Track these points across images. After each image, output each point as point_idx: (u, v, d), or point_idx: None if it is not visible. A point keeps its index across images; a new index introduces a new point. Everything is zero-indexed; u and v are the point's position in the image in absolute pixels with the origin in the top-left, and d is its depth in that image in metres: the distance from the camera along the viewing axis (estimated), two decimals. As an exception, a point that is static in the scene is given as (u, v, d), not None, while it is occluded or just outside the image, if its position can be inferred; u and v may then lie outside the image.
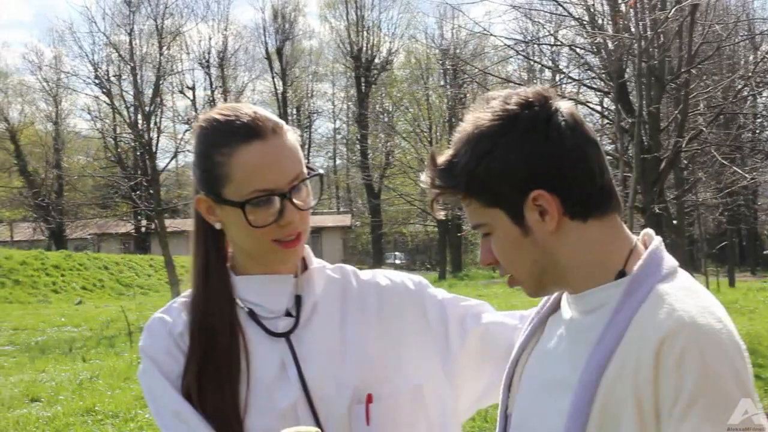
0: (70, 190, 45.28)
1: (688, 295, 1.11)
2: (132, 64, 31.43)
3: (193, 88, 44.67)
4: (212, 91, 46.22)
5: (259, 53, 48.21)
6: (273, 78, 48.07)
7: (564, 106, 1.17)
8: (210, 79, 47.03)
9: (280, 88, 47.78)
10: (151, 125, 39.49)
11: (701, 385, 1.03)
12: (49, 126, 48.42)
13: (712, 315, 1.08)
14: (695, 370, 1.03)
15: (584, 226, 1.16)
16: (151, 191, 23.61)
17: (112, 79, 38.98)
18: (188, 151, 43.05)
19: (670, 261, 1.18)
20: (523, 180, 1.13)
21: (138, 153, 38.12)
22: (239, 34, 48.97)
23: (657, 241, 1.21)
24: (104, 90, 38.94)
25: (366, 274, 1.59)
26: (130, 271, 30.76)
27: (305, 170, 1.44)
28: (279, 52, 47.51)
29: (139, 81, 39.23)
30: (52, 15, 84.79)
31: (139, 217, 40.67)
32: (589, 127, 1.18)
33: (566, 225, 1.16)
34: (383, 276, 1.58)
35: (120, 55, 34.58)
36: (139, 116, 33.85)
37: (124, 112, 37.16)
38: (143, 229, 43.90)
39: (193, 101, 43.87)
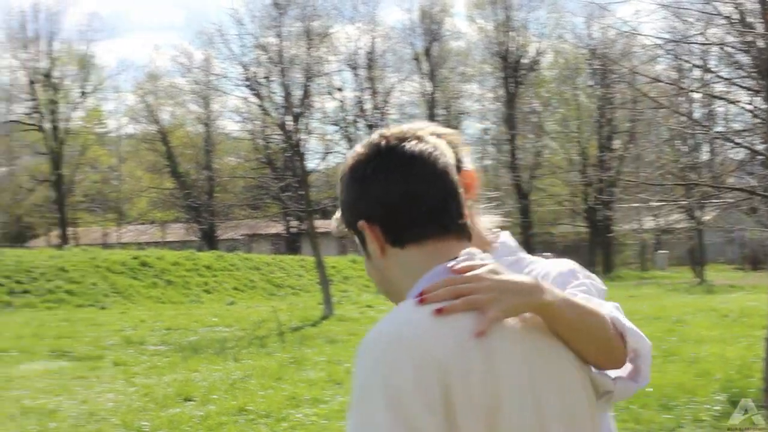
0: (221, 191, 48.96)
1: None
2: (281, 66, 33.53)
3: (341, 90, 47.48)
4: (360, 93, 48.62)
5: (406, 54, 50.49)
6: (421, 79, 50.29)
7: (370, 151, 1.43)
8: (358, 80, 49.44)
9: (429, 89, 49.83)
10: (301, 126, 42.54)
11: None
12: (200, 127, 52.43)
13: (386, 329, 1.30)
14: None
15: (403, 252, 1.37)
16: (301, 192, 24.85)
17: (261, 80, 42.15)
18: (337, 152, 45.78)
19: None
20: (352, 212, 1.41)
21: (287, 154, 40.92)
22: (387, 35, 51.09)
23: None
24: (254, 91, 42.23)
25: None
26: (281, 272, 31.99)
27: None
28: (427, 52, 49.60)
29: (287, 82, 42.44)
30: (202, 18, 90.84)
31: (289, 218, 43.35)
32: (427, 161, 1.39)
33: (389, 251, 1.38)
34: None
35: (269, 57, 37.07)
36: (288, 117, 36.35)
37: (274, 114, 39.94)
38: (294, 230, 46.53)
39: (342, 102, 46.88)
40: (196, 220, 46.65)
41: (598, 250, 40.72)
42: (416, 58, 49.89)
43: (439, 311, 1.25)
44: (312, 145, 50.36)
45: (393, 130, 1.45)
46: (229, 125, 58.98)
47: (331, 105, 49.37)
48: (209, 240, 47.36)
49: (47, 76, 50.03)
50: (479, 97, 52.42)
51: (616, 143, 42.37)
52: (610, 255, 42.50)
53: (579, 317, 1.34)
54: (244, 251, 41.53)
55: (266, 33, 44.04)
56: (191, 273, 28.58)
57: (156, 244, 44.80)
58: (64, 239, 47.54)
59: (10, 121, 52.49)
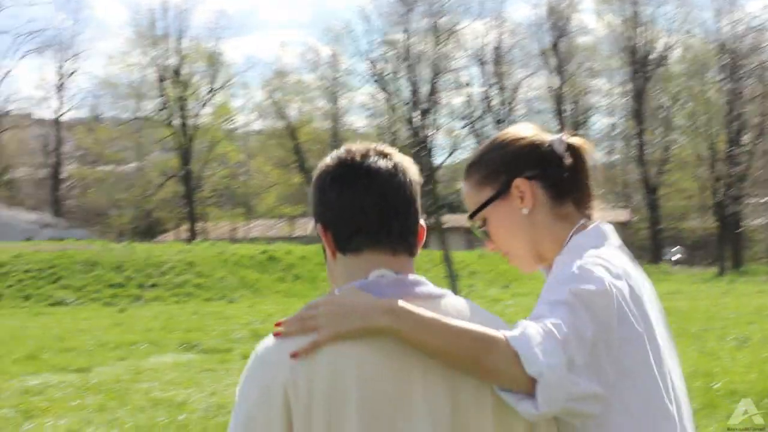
0: (347, 188, 51.20)
1: None
2: (408, 62, 34.87)
3: (468, 85, 48.88)
4: (488, 88, 49.91)
5: (534, 50, 51.96)
6: (549, 74, 51.77)
7: (334, 163, 1.60)
8: (486, 75, 51.03)
9: (556, 85, 51.11)
10: (428, 122, 44.27)
11: None
12: (327, 123, 54.90)
13: None
14: None
15: (345, 259, 1.56)
16: (428, 188, 25.47)
17: (389, 76, 43.97)
18: (465, 147, 47.14)
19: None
20: (313, 216, 1.61)
21: (415, 149, 42.43)
22: (514, 31, 52.67)
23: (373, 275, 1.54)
24: (381, 87, 44.10)
25: None
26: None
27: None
28: (554, 48, 50.96)
29: (415, 78, 44.24)
30: (329, 15, 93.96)
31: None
32: (380, 177, 1.54)
33: (338, 256, 1.57)
34: None
35: (396, 53, 38.56)
36: (416, 113, 37.77)
37: (401, 109, 41.55)
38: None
39: (469, 98, 48.27)
40: None
41: (726, 246, 41.17)
42: (544, 54, 51.34)
43: (276, 335, 1.47)
44: (439, 141, 51.87)
45: (360, 146, 1.62)
46: (357, 121, 61.17)
47: (458, 101, 51.05)
48: None
49: (176, 73, 53.18)
50: (607, 92, 53.53)
51: (746, 138, 42.89)
52: (739, 250, 42.82)
53: (427, 340, 1.43)
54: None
55: (393, 29, 45.99)
56: (318, 267, 29.33)
57: (284, 239, 46.98)
58: (193, 234, 50.35)
59: (141, 117, 55.99)
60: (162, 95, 53.32)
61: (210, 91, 54.61)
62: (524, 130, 1.82)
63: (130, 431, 7.86)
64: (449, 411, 1.46)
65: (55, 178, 60.64)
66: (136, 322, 17.47)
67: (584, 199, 1.78)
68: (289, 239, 48.64)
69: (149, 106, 56.25)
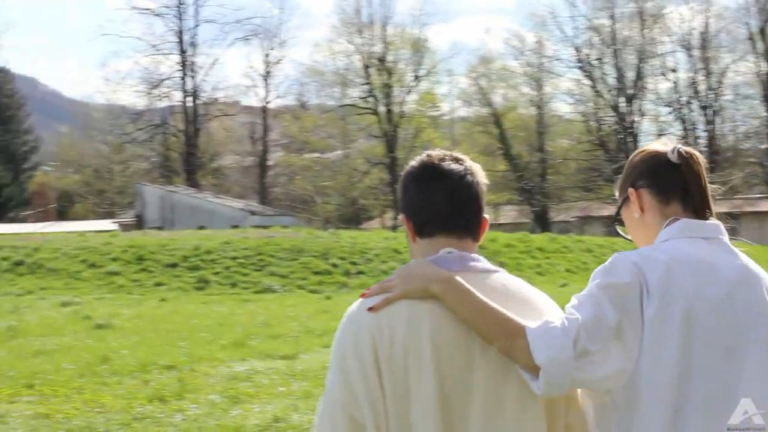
0: (554, 173, 57.53)
1: None
2: (614, 47, 39.73)
3: (675, 71, 53.98)
4: (694, 73, 56.68)
5: (741, 34, 57.06)
6: (756, 59, 56.49)
7: (418, 165, 2.29)
8: (692, 61, 57.45)
9: (764, 70, 55.96)
10: (634, 108, 48.90)
11: None
12: (532, 110, 63.26)
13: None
14: None
15: (421, 242, 2.25)
16: None
17: (594, 62, 49.41)
18: (671, 133, 51.58)
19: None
20: (399, 207, 2.28)
21: (620, 136, 47.39)
22: (721, 14, 57.92)
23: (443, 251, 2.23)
24: (586, 73, 49.82)
25: None
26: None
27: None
28: (762, 32, 55.82)
29: (621, 64, 49.12)
30: (533, 1, 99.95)
31: (623, 200, 50.11)
32: (451, 178, 2.22)
33: (417, 239, 2.27)
34: None
35: (601, 39, 43.62)
36: (621, 99, 42.59)
37: (606, 96, 46.87)
38: (626, 213, 53.60)
39: (675, 84, 53.40)
40: (528, 202, 55.78)
41: None
42: (751, 38, 56.14)
43: (362, 296, 2.18)
44: (645, 127, 58.01)
45: (439, 152, 2.34)
46: (562, 107, 67.34)
47: (664, 86, 57.66)
48: (541, 222, 57.51)
49: (381, 60, 61.52)
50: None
51: None
52: None
53: (463, 310, 2.07)
54: (577, 233, 47.81)
55: (599, 14, 51.61)
56: (524, 255, 31.92)
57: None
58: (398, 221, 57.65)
59: (346, 105, 65.40)
60: (367, 82, 61.75)
61: (415, 78, 62.40)
62: (651, 145, 2.48)
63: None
64: (501, 364, 2.10)
65: (262, 166, 70.46)
66: (341, 310, 22.35)
67: (693, 200, 2.34)
68: (494, 226, 56.49)
69: (354, 93, 65.42)
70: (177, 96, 70.13)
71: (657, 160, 2.37)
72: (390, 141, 59.99)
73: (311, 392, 9.89)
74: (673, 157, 2.33)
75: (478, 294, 2.08)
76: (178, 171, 71.91)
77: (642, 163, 2.40)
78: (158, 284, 25.60)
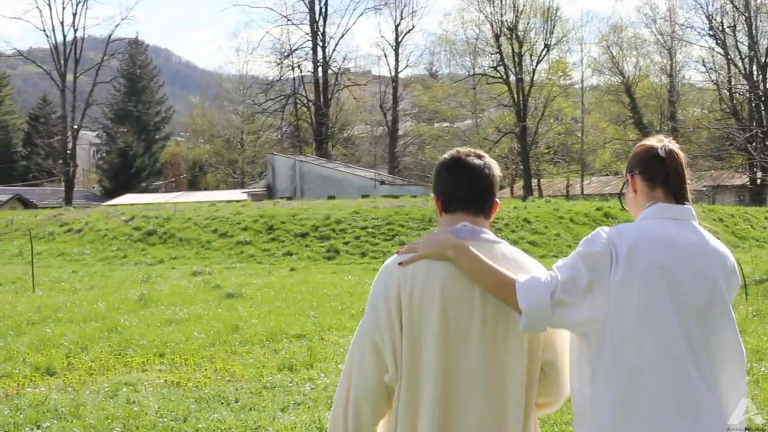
0: (685, 142, 59.43)
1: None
2: (747, 15, 41.45)
3: None
4: None
5: None
6: None
7: (449, 158, 3.11)
8: None
9: None
10: (767, 76, 50.68)
11: None
12: (664, 78, 64.09)
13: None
14: None
15: (446, 216, 3.06)
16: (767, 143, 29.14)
17: (727, 30, 51.40)
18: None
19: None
20: (432, 189, 3.13)
21: (753, 104, 49.49)
22: None
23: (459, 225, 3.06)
24: (718, 41, 51.93)
25: None
26: (745, 224, 35.75)
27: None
28: None
29: (754, 31, 50.87)
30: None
31: (754, 169, 52.01)
32: (473, 170, 3.04)
33: (443, 214, 3.07)
34: None
35: (734, 6, 45.44)
36: (754, 67, 44.32)
37: (739, 64, 48.82)
38: (758, 181, 55.28)
39: None
40: None
41: None
42: None
43: (396, 252, 3.01)
44: None
45: (465, 149, 3.17)
46: (694, 76, 68.39)
47: None
48: None
49: (512, 29, 62.65)
50: None
51: None
52: None
53: (470, 268, 2.91)
54: (708, 202, 49.10)
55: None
56: None
57: (619, 195, 55.40)
58: (528, 190, 60.05)
59: (476, 74, 66.94)
60: (498, 51, 63.22)
61: (545, 47, 63.66)
62: (649, 140, 3.21)
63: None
64: (494, 312, 2.95)
65: (392, 136, 72.89)
66: None
67: (673, 188, 3.07)
68: (624, 195, 57.62)
69: (485, 62, 67.19)
70: (308, 66, 73.17)
71: (649, 153, 3.11)
72: (520, 110, 61.29)
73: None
74: (662, 152, 3.06)
75: (483, 258, 2.93)
76: (308, 141, 74.73)
77: (638, 155, 3.16)
78: (288, 254, 26.89)
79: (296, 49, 72.25)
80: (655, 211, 3.03)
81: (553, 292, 2.82)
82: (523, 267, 3.03)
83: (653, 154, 3.07)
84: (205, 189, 75.28)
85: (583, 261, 2.85)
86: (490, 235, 3.06)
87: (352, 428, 2.96)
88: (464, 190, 3.06)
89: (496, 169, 3.16)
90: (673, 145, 3.10)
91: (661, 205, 3.02)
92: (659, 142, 3.12)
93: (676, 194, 3.07)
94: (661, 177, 3.05)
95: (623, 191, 3.30)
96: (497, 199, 3.16)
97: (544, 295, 2.81)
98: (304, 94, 73.59)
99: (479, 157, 3.12)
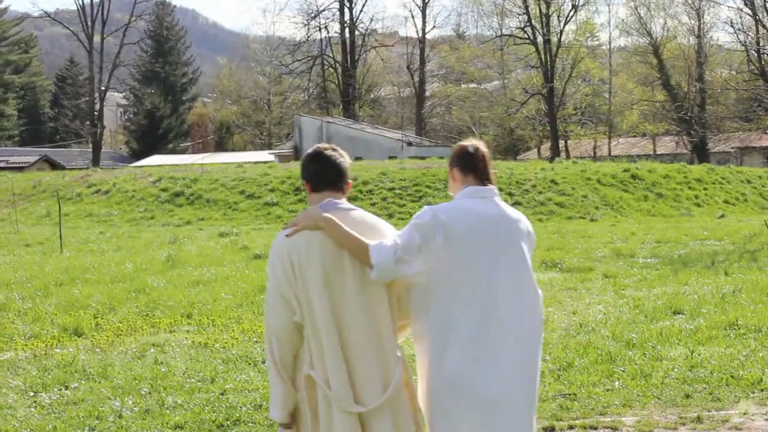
0: (713, 103, 60.25)
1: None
2: None
3: None
4: None
5: None
6: None
7: (312, 153, 4.22)
8: None
9: None
10: (796, 37, 51.61)
11: None
12: (692, 39, 64.19)
13: None
14: None
15: (314, 195, 4.13)
16: None
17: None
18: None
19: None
20: (301, 175, 4.27)
21: (782, 66, 50.47)
22: None
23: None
24: (747, 2, 52.44)
25: None
26: None
27: None
28: None
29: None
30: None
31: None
32: (330, 159, 4.13)
33: (312, 194, 4.15)
34: None
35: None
36: None
37: (768, 24, 49.20)
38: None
39: None
40: (687, 132, 58.36)
41: None
42: None
43: (285, 227, 4.09)
44: None
45: (324, 145, 4.25)
46: (722, 37, 68.73)
47: None
48: (700, 153, 58.65)
49: None
50: None
51: None
52: None
53: (336, 235, 3.91)
54: (735, 164, 49.51)
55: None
56: (681, 186, 33.92)
57: (646, 156, 55.70)
58: (555, 152, 60.58)
59: (504, 35, 67.37)
60: (525, 12, 63.75)
61: (573, 8, 64.09)
62: (463, 142, 4.32)
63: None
64: (362, 273, 3.96)
65: (419, 97, 73.31)
66: None
67: (480, 175, 4.18)
68: (652, 157, 57.84)
69: (512, 23, 67.65)
70: (335, 27, 73.58)
71: (462, 150, 4.23)
72: (548, 71, 61.96)
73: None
74: (470, 149, 4.19)
75: (344, 226, 3.94)
76: (335, 102, 76.10)
77: (455, 152, 4.28)
78: (315, 215, 28.23)
79: (323, 10, 72.79)
80: (467, 192, 4.15)
81: (396, 252, 3.87)
82: (375, 227, 4.11)
83: (465, 151, 4.21)
84: (233, 150, 75.75)
85: (416, 229, 3.95)
86: (346, 204, 4.12)
87: (278, 357, 4.03)
88: (328, 175, 4.14)
89: (348, 158, 4.24)
90: (480, 145, 4.26)
91: (471, 187, 4.15)
92: (470, 143, 4.26)
93: (482, 179, 4.18)
94: (470, 167, 4.17)
95: (448, 179, 4.43)
96: (350, 180, 4.24)
97: (389, 254, 3.87)
98: (331, 55, 74.14)
99: (334, 149, 4.21)
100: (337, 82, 74.02)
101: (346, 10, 72.58)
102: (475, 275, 4.00)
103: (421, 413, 4.18)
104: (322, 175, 4.14)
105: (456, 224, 3.99)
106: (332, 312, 3.95)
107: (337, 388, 3.93)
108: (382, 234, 4.06)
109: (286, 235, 4.02)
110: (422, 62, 73.32)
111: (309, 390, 4.00)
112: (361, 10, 74.30)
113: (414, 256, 3.93)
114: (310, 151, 4.26)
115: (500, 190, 23.28)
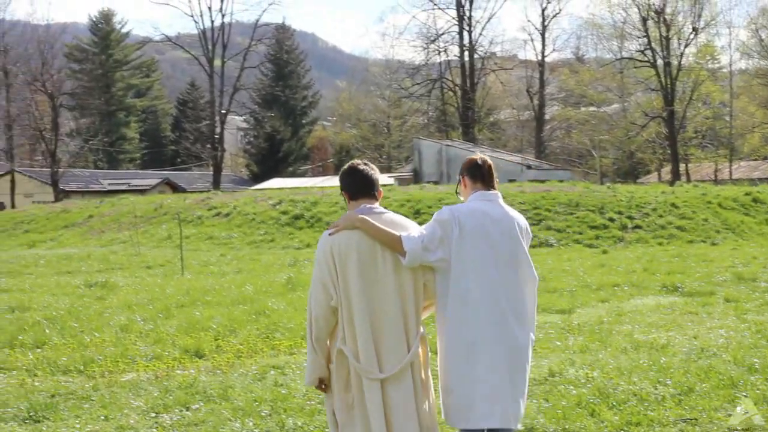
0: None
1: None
2: None
3: None
4: None
5: None
6: None
7: (348, 168, 5.25)
8: None
9: None
10: None
11: None
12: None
13: None
14: None
15: (352, 202, 5.16)
16: None
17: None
18: None
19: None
20: (340, 186, 5.31)
21: None
22: None
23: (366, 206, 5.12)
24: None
25: None
26: None
27: None
28: None
29: None
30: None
31: None
32: (364, 173, 5.17)
33: (350, 202, 5.18)
34: None
35: None
36: None
37: None
38: None
39: None
40: None
41: None
42: None
43: (329, 228, 5.07)
44: None
45: (358, 161, 5.30)
46: None
47: None
48: None
49: (659, 12, 63.48)
50: None
51: None
52: None
53: (372, 232, 4.90)
54: None
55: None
56: None
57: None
58: (676, 175, 60.54)
59: (624, 58, 67.77)
60: (645, 35, 64.28)
61: (693, 30, 64.24)
62: (473, 155, 5.42)
63: (611, 373, 9.14)
64: (390, 256, 4.97)
65: (538, 120, 74.63)
66: (618, 264, 20.11)
67: (486, 182, 5.24)
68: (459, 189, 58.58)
69: (632, 46, 68.05)
70: (454, 50, 75.15)
71: (472, 162, 5.24)
72: (668, 94, 62.17)
73: (587, 347, 10.56)
74: (479, 161, 5.21)
75: (378, 224, 4.79)
76: (454, 125, 77.21)
77: (466, 163, 5.26)
78: (431, 238, 28.44)
79: (443, 34, 74.33)
80: (476, 196, 5.20)
81: (423, 241, 4.87)
82: (403, 225, 5.01)
83: (474, 163, 5.28)
84: (353, 173, 78.39)
85: (438, 224, 4.98)
86: (379, 208, 5.01)
87: (315, 335, 4.92)
88: (361, 186, 5.07)
89: (377, 172, 5.18)
90: (486, 158, 5.34)
91: (480, 192, 5.20)
92: (478, 156, 5.34)
93: (488, 185, 5.23)
94: (479, 176, 5.23)
95: (458, 187, 5.45)
96: (380, 189, 5.17)
97: (418, 243, 4.84)
98: (450, 78, 75.48)
99: (366, 164, 5.12)
100: (456, 106, 75.35)
101: (465, 34, 74.11)
102: (483, 261, 5.06)
103: (431, 381, 5.23)
104: (358, 185, 5.12)
105: (469, 221, 5.06)
106: (366, 296, 4.86)
107: (365, 361, 4.85)
108: (409, 230, 5.02)
109: (329, 234, 4.96)
110: (542, 85, 74.48)
111: (339, 362, 4.92)
112: (480, 34, 75.25)
113: (436, 245, 4.99)
114: (345, 167, 5.24)
115: (620, 213, 26.37)
